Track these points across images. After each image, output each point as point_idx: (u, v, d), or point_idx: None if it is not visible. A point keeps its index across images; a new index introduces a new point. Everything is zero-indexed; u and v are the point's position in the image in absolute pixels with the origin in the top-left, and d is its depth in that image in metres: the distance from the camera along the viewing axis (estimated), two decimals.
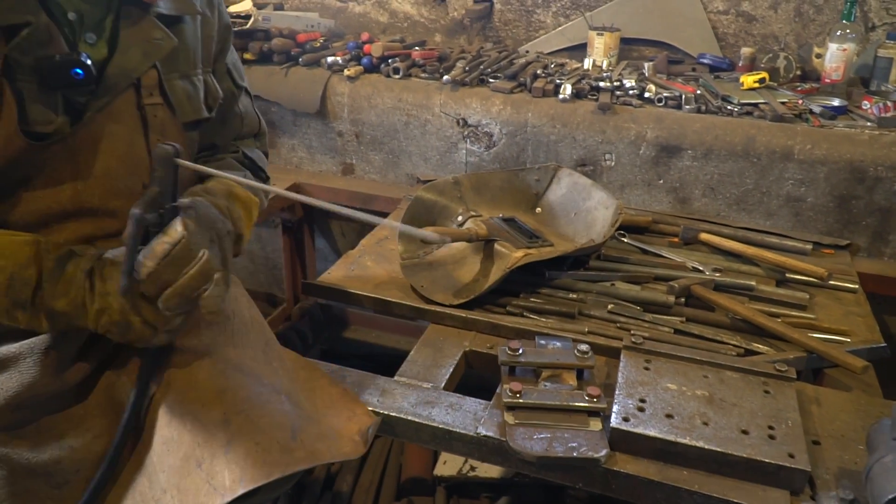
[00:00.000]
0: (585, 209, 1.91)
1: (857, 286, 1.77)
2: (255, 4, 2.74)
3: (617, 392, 1.27)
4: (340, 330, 2.82)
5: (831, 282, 1.74)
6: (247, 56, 2.53)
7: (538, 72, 2.33)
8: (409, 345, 1.57)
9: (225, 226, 1.21)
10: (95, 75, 1.17)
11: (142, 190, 1.27)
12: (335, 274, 1.79)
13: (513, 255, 1.67)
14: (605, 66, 2.50)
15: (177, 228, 1.09)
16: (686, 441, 1.17)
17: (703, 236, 1.95)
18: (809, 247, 1.91)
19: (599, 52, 2.55)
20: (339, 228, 2.78)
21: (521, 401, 1.26)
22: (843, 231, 2.04)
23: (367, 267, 1.84)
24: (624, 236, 1.95)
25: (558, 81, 2.25)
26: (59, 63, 1.13)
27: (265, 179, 1.58)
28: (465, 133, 2.28)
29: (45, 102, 1.15)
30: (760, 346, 1.51)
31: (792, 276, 1.79)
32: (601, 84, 2.25)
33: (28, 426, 1.19)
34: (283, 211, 2.57)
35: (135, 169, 1.27)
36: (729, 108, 2.12)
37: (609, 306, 1.62)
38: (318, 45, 2.54)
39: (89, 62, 1.15)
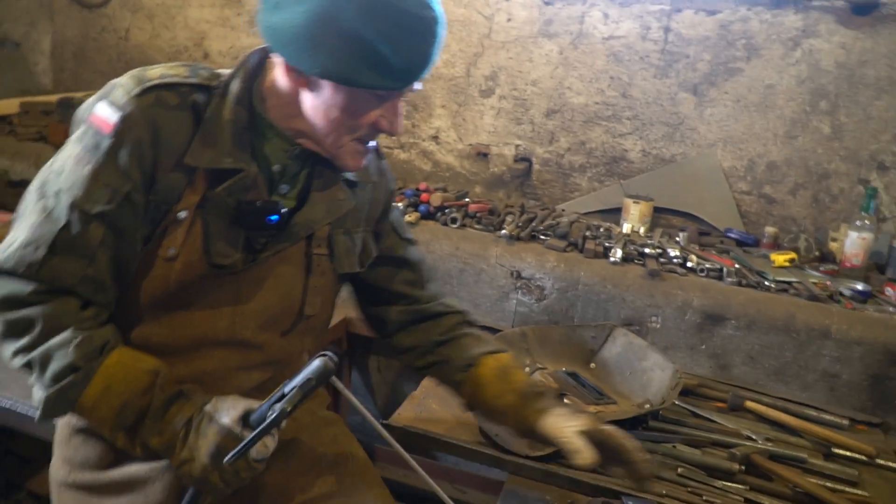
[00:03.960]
0: (640, 369, 2.01)
1: None
2: None
3: None
4: None
5: (878, 460, 1.84)
6: None
7: (587, 233, 2.50)
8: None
9: None
10: (284, 222, 1.27)
11: (288, 326, 1.36)
12: (404, 415, 1.84)
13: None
14: (641, 232, 2.69)
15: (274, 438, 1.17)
16: None
17: (749, 404, 2.05)
18: (846, 422, 2.01)
19: (635, 218, 2.75)
20: (375, 363, 2.83)
21: None
22: (875, 409, 2.16)
23: (433, 410, 1.90)
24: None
25: (607, 244, 2.42)
26: (258, 208, 1.23)
27: None
28: (518, 284, 2.41)
29: (229, 239, 1.24)
30: None
31: (838, 450, 1.88)
32: (646, 250, 2.42)
33: None
34: (331, 343, 2.63)
35: (288, 306, 1.35)
36: (766, 283, 2.30)
37: (679, 469, 1.69)
38: None
39: (284, 210, 1.26)
